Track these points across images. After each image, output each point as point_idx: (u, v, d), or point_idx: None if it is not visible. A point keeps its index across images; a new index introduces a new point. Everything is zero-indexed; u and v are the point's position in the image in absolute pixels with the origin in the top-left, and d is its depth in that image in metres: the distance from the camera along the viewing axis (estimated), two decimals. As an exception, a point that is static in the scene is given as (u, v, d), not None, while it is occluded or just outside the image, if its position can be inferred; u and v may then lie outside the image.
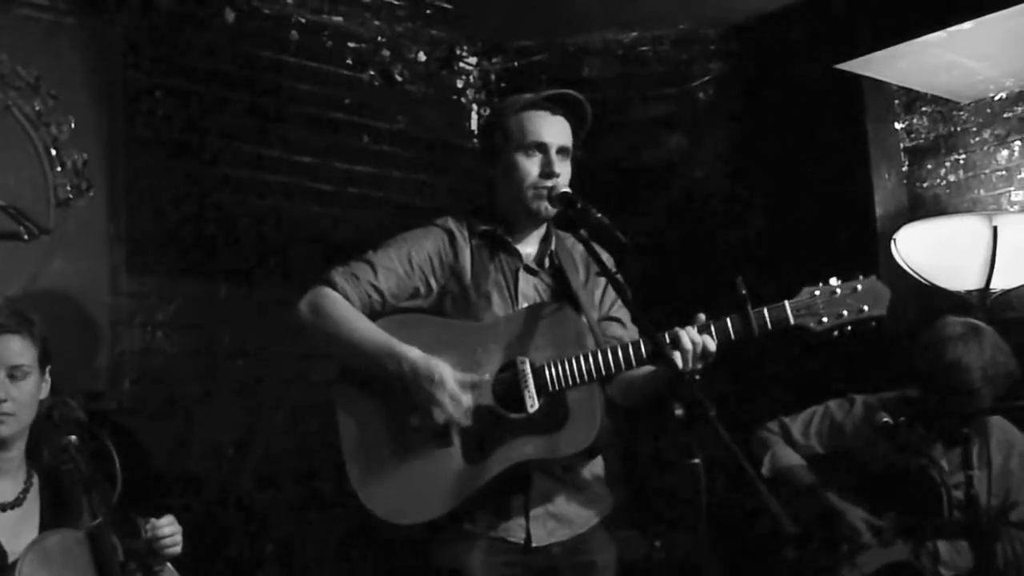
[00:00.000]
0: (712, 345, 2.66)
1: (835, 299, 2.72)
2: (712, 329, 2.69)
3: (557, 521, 2.86)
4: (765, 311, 2.70)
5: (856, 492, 3.73)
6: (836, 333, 2.72)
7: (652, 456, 4.83)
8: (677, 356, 2.61)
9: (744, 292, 2.64)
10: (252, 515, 4.36)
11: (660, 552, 4.53)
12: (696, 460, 2.39)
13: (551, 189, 2.88)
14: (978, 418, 3.60)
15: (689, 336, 2.64)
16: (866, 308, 2.72)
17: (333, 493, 2.88)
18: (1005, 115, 4.93)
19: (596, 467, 2.98)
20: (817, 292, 2.72)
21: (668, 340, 2.64)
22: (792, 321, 2.70)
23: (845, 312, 2.71)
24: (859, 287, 2.73)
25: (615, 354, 2.72)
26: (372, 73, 5.09)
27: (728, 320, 2.69)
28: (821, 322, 2.71)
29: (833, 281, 2.74)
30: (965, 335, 3.57)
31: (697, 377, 2.62)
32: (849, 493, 3.74)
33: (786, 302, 2.72)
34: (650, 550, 4.48)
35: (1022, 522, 3.63)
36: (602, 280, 3.01)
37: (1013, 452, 3.72)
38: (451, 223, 3.00)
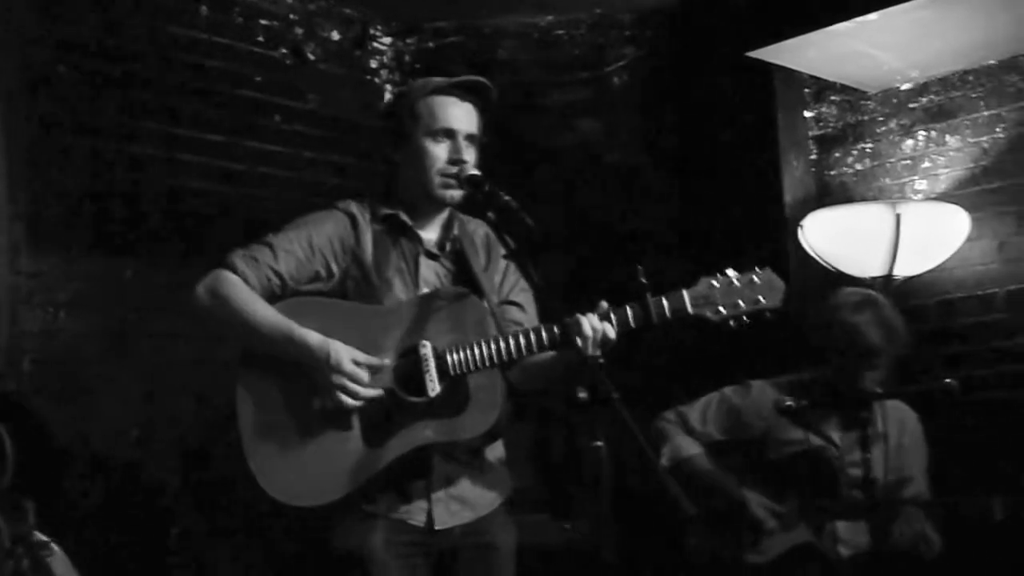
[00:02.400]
0: (612, 333, 2.68)
1: (732, 290, 2.75)
2: (612, 317, 2.71)
3: (460, 504, 2.87)
4: (664, 300, 2.73)
5: (756, 477, 3.80)
6: (733, 323, 2.76)
7: (561, 439, 4.85)
8: (577, 342, 2.63)
9: (644, 281, 2.67)
10: (157, 499, 4.30)
11: (570, 534, 4.55)
12: (599, 443, 2.41)
13: (458, 172, 2.88)
14: (877, 401, 3.69)
15: (590, 323, 2.66)
16: (762, 299, 2.75)
17: (239, 476, 2.84)
18: (910, 105, 5.03)
19: (497, 450, 2.99)
20: (715, 283, 2.76)
21: (569, 327, 2.65)
22: (690, 311, 2.74)
23: (742, 303, 2.74)
24: (756, 279, 2.77)
25: (517, 340, 2.73)
26: (284, 51, 5.02)
27: (628, 308, 2.72)
28: (719, 312, 2.74)
29: (731, 272, 2.77)
30: (861, 303, 3.69)
31: (601, 361, 2.64)
32: (748, 478, 3.80)
33: (684, 292, 2.75)
34: (560, 533, 4.50)
35: (916, 497, 3.75)
36: (503, 264, 3.02)
37: (905, 429, 3.85)
38: (353, 207, 2.98)
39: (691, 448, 3.89)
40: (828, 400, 3.73)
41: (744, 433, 3.88)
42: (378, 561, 2.77)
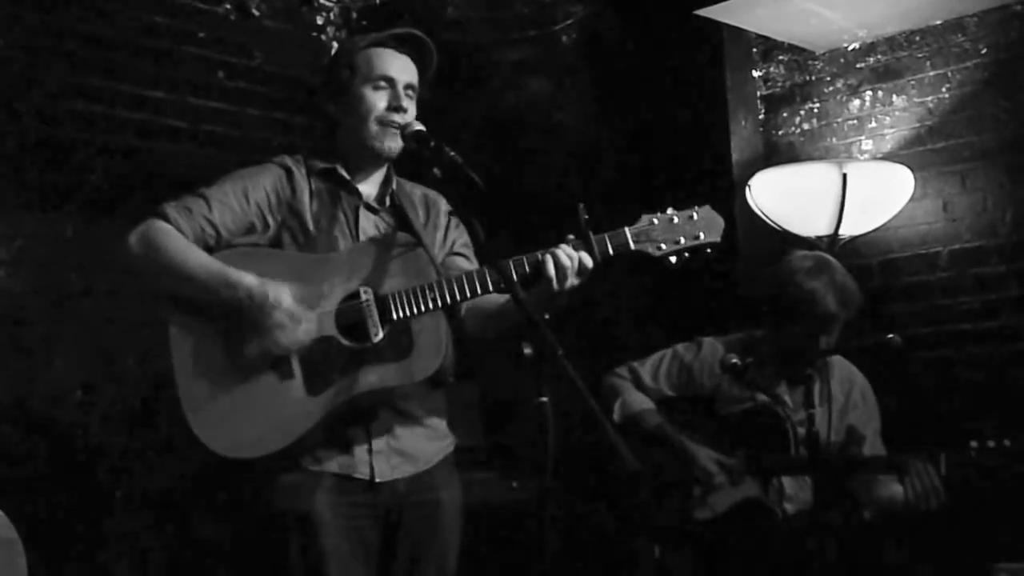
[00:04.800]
0: (589, 261, 2.69)
1: (673, 226, 2.78)
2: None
3: (401, 456, 2.85)
4: (606, 237, 2.75)
5: (706, 432, 3.82)
6: (674, 259, 2.78)
7: (508, 396, 4.86)
8: (554, 274, 2.65)
9: (586, 218, 2.69)
10: (101, 460, 4.27)
11: (516, 492, 4.57)
12: (544, 399, 2.41)
13: (404, 127, 2.85)
14: (821, 358, 3.71)
15: (565, 253, 2.67)
16: (702, 235, 2.78)
17: (183, 436, 2.81)
18: (858, 65, 5.05)
19: (438, 404, 2.98)
20: (656, 220, 2.78)
21: (545, 259, 2.66)
22: (632, 247, 2.76)
23: (682, 239, 2.77)
24: (695, 215, 2.79)
25: (460, 282, 2.74)
26: (228, 6, 4.95)
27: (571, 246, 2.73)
28: (660, 248, 2.76)
29: (671, 210, 2.80)
30: (815, 268, 3.68)
31: (547, 316, 2.63)
32: (699, 434, 3.82)
33: (626, 228, 2.76)
34: (506, 491, 4.51)
35: (875, 455, 3.78)
36: (444, 221, 3.02)
37: (854, 389, 3.87)
38: (288, 160, 2.95)
39: (642, 403, 3.91)
40: (774, 358, 3.76)
41: (695, 390, 3.90)
42: (323, 523, 2.75)
